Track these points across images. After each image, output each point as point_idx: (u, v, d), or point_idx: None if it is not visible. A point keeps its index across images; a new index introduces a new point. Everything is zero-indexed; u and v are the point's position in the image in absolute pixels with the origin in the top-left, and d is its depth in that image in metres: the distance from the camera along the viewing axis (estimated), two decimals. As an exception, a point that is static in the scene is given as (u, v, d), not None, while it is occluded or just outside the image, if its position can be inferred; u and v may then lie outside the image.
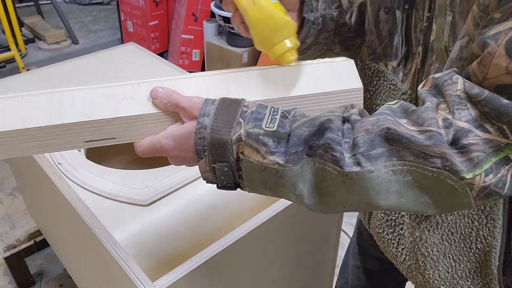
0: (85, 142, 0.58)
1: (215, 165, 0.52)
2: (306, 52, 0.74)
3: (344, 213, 1.13)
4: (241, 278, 0.90)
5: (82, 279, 1.26)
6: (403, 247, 0.73)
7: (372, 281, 1.06)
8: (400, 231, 0.73)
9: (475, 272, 0.67)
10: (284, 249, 0.97)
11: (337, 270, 1.20)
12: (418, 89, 0.53)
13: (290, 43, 0.59)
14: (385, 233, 0.76)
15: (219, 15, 2.61)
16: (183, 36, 3.00)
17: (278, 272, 1.00)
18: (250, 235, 0.82)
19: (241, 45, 2.68)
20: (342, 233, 1.57)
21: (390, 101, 0.71)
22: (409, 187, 0.46)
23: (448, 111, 0.47)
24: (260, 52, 2.71)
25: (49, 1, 3.99)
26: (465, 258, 0.67)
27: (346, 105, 0.53)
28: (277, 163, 0.48)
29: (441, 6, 0.57)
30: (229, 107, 0.52)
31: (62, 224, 1.15)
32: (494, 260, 0.64)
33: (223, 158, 0.51)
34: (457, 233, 0.65)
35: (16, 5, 3.70)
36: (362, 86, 0.61)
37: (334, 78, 0.61)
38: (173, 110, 0.56)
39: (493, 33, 0.45)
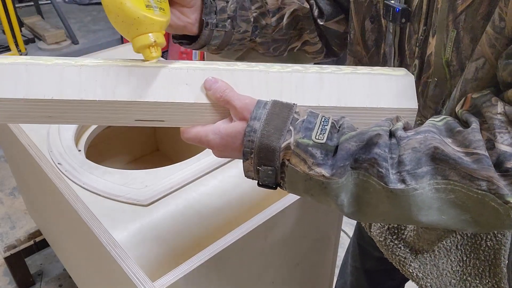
0: (135, 120, 0.58)
1: (259, 168, 0.52)
2: (219, 52, 0.74)
3: (344, 213, 1.13)
4: (240, 278, 0.90)
5: (82, 279, 1.26)
6: (410, 247, 0.73)
7: (372, 281, 1.06)
8: (402, 236, 0.74)
9: (483, 271, 0.68)
10: (284, 249, 0.97)
11: (337, 270, 1.20)
12: (456, 109, 0.53)
13: (152, 38, 0.57)
14: (388, 240, 0.76)
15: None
16: (183, 36, 3.00)
17: (277, 272, 1.00)
18: (250, 236, 0.82)
19: (241, 45, 2.68)
20: (342, 233, 1.57)
21: None
22: (451, 205, 0.47)
23: (490, 132, 0.47)
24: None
25: (49, 1, 3.99)
26: (475, 255, 0.68)
27: (391, 118, 0.53)
28: (323, 175, 0.49)
29: (442, 22, 0.56)
30: (281, 113, 0.52)
31: (62, 224, 1.15)
32: (504, 258, 0.65)
33: (269, 163, 0.52)
34: None
35: (16, 5, 3.70)
36: (417, 107, 0.59)
37: (390, 94, 0.59)
38: (224, 106, 0.57)
39: None
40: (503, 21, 0.48)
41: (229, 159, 1.00)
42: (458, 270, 0.70)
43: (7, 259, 1.61)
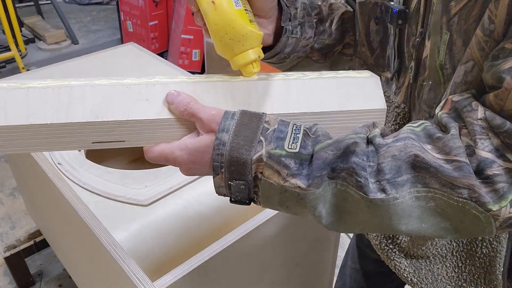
0: (93, 143, 0.55)
1: (231, 183, 0.50)
2: (284, 61, 0.72)
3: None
4: (240, 278, 0.90)
5: (82, 279, 1.26)
6: (405, 252, 0.73)
7: (371, 283, 1.06)
8: (397, 240, 0.74)
9: (478, 278, 0.67)
10: (283, 249, 0.97)
11: (337, 270, 1.20)
12: (436, 111, 0.52)
13: (253, 54, 0.54)
14: (383, 244, 0.76)
15: (219, 15, 2.61)
16: (182, 36, 3.00)
17: (277, 272, 1.00)
18: (250, 236, 0.82)
19: (241, 45, 2.67)
20: (342, 233, 1.57)
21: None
22: (431, 213, 0.46)
23: (470, 138, 0.46)
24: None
25: (49, 1, 3.99)
26: (470, 261, 0.67)
27: (368, 124, 0.52)
28: (299, 186, 0.47)
29: (436, 24, 0.56)
30: (250, 123, 0.50)
31: (62, 224, 1.15)
32: (499, 265, 0.65)
33: (240, 176, 0.49)
34: None
35: (16, 5, 3.70)
36: (386, 107, 0.58)
37: (358, 96, 0.58)
38: (189, 119, 0.54)
39: (508, 67, 0.45)
40: (493, 24, 0.48)
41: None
42: (453, 276, 0.69)
43: (7, 259, 1.61)
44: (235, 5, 0.53)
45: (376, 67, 0.70)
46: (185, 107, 0.53)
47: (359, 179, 0.46)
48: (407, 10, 0.61)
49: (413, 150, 0.46)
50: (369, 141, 0.49)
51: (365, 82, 0.59)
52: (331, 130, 0.54)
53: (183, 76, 0.57)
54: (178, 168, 0.55)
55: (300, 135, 0.49)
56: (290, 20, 0.67)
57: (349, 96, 0.58)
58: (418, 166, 0.45)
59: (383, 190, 0.45)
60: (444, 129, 0.49)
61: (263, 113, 0.52)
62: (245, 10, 0.55)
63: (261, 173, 0.49)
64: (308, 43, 0.72)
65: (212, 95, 0.56)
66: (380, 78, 0.70)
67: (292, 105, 0.56)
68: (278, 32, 0.67)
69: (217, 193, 0.54)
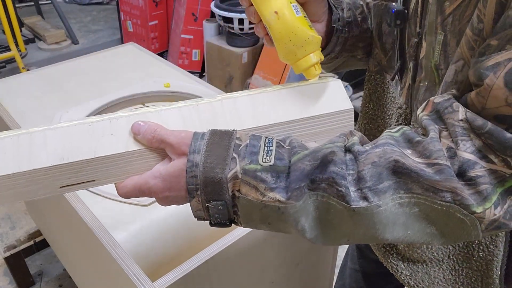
0: (61, 187, 0.53)
1: (208, 204, 0.49)
2: (333, 60, 0.73)
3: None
4: (240, 278, 0.90)
5: (82, 279, 1.26)
6: (402, 255, 0.73)
7: (370, 284, 1.06)
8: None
9: (475, 281, 0.67)
10: (283, 249, 0.97)
11: (337, 270, 1.20)
12: (418, 112, 0.52)
13: (315, 57, 0.57)
14: (380, 246, 0.76)
15: (219, 15, 2.61)
16: (182, 36, 3.00)
17: (277, 272, 1.00)
18: (250, 236, 0.82)
19: (241, 45, 2.68)
20: (342, 233, 1.57)
21: (390, 113, 0.71)
22: (416, 219, 0.45)
23: (451, 139, 0.46)
24: (260, 52, 2.71)
25: (49, 1, 4.00)
26: (467, 264, 0.67)
27: (345, 133, 0.51)
28: (278, 200, 0.46)
29: (431, 25, 0.56)
30: (221, 141, 0.49)
31: (62, 224, 1.15)
32: (496, 269, 0.64)
33: (218, 196, 0.48)
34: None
35: (16, 5, 3.70)
36: (352, 107, 0.58)
37: (323, 100, 0.58)
38: (158, 146, 0.52)
39: (492, 64, 0.44)
40: (481, 23, 0.47)
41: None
42: (450, 278, 0.69)
43: (7, 259, 1.61)
44: (296, 13, 0.55)
45: (388, 68, 0.71)
46: (153, 134, 0.52)
47: (339, 188, 0.45)
48: (406, 11, 0.61)
49: (393, 156, 0.45)
50: (347, 149, 0.48)
51: (327, 86, 0.59)
52: (302, 137, 0.54)
53: (146, 107, 0.57)
54: (154, 198, 0.54)
55: (274, 148, 0.48)
56: (339, 20, 0.68)
57: (314, 101, 0.58)
58: (399, 172, 0.45)
59: (365, 198, 0.45)
60: (424, 132, 0.48)
61: (233, 130, 0.51)
62: (304, 16, 0.57)
63: (238, 190, 0.48)
64: (354, 41, 0.73)
65: (179, 120, 0.55)
66: (392, 79, 0.71)
67: (260, 119, 0.56)
68: (327, 34, 0.68)
69: (195, 217, 0.52)
